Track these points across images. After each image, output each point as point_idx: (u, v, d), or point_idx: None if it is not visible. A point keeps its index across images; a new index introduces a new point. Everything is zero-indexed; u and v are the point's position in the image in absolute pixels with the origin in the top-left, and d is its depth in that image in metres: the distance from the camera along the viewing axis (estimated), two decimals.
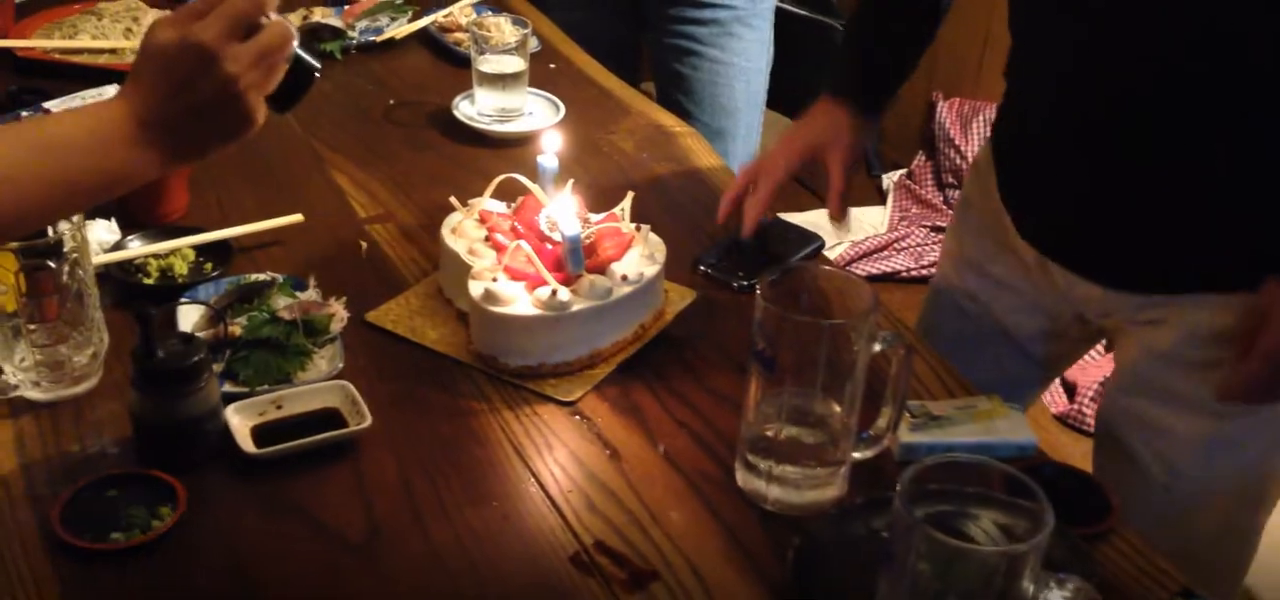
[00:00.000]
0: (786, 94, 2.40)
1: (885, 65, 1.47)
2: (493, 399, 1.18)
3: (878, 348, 1.04)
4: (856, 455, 1.09)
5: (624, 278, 1.23)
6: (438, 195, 1.37)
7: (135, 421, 1.05)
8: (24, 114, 1.54)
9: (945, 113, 2.62)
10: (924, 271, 2.27)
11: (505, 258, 1.23)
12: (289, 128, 1.68)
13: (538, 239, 1.25)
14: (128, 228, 1.34)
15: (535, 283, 1.21)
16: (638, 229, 1.31)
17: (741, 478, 1.09)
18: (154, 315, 1.02)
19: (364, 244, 1.40)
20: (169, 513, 1.00)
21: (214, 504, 1.03)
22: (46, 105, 1.57)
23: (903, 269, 2.27)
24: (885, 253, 2.29)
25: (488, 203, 1.32)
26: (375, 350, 1.23)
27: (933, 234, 2.36)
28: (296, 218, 1.39)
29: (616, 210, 1.32)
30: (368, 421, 1.09)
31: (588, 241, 1.25)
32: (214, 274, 1.29)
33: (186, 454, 1.05)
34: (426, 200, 1.47)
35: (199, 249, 1.32)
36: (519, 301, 1.20)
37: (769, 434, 1.06)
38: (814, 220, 1.56)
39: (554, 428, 1.15)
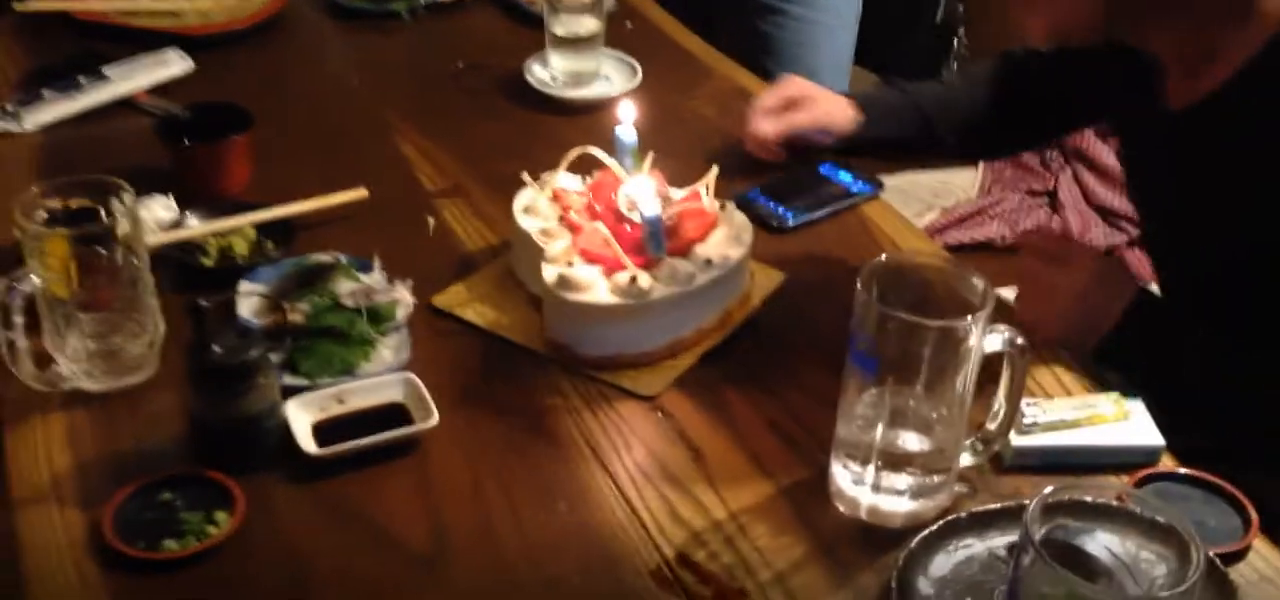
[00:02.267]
0: (874, 49, 2.28)
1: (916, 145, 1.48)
2: (567, 393, 1.10)
3: (992, 348, 0.94)
4: (964, 462, 1.00)
5: (708, 261, 1.14)
6: (509, 167, 1.29)
7: (191, 420, 0.99)
8: (81, 79, 1.49)
9: None
10: (1020, 239, 2.14)
11: (580, 240, 1.15)
12: (353, 94, 1.61)
13: (615, 219, 1.17)
14: (186, 203, 1.28)
15: (613, 267, 1.13)
16: (722, 207, 1.22)
17: (837, 484, 1.00)
18: (207, 308, 0.96)
19: (431, 220, 1.33)
20: (226, 519, 0.93)
21: (272, 508, 0.97)
22: (105, 70, 1.51)
23: (996, 237, 2.14)
24: (977, 219, 2.16)
25: (562, 179, 1.23)
26: (442, 337, 1.16)
27: (1029, 198, 2.22)
28: (361, 193, 1.32)
29: (699, 186, 1.22)
30: (435, 419, 1.02)
31: (669, 222, 1.16)
32: (275, 254, 1.23)
33: (244, 454, 0.99)
34: (497, 172, 1.39)
35: (260, 227, 1.26)
36: (595, 288, 1.11)
37: (868, 438, 0.97)
38: (896, 185, 1.47)
39: (633, 425, 1.07)
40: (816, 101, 1.44)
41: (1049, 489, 0.78)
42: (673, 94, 1.61)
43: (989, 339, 0.94)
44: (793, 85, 1.46)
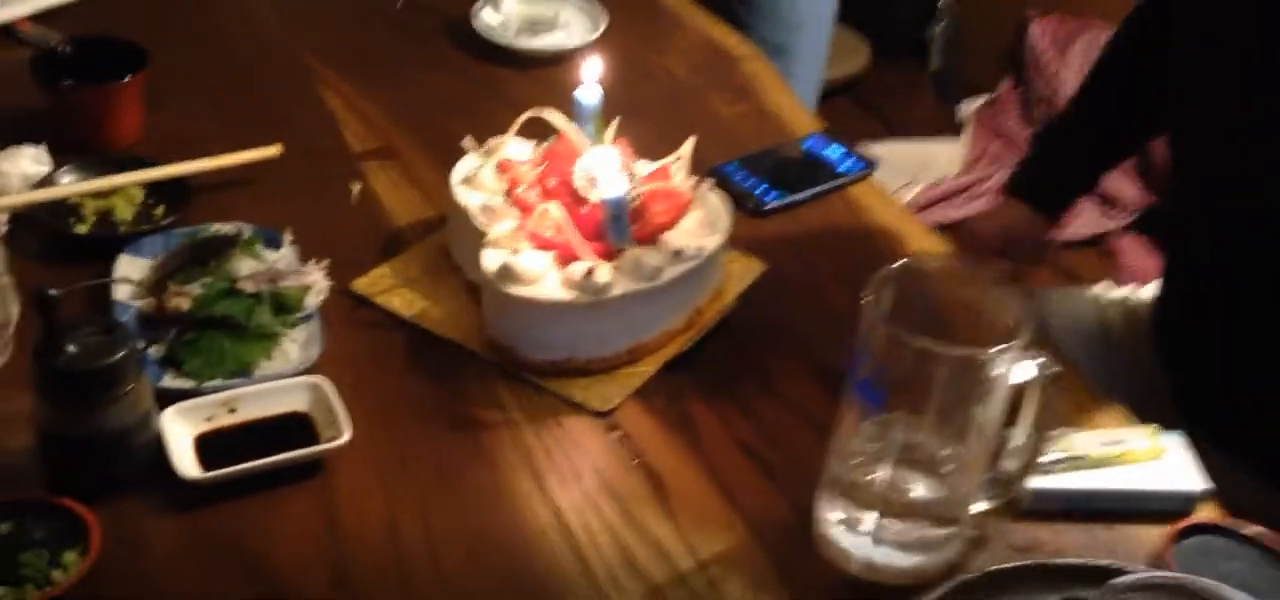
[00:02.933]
0: (858, 3, 2.11)
1: (1080, 179, 1.35)
2: (507, 405, 0.93)
3: (1020, 380, 0.78)
4: (978, 507, 0.84)
5: (678, 252, 0.97)
6: (450, 127, 1.11)
7: (38, 436, 0.81)
8: None
9: (1039, 33, 2.29)
10: None
11: (530, 222, 0.97)
12: (271, 31, 1.40)
13: (571, 197, 0.99)
14: (63, 156, 1.08)
15: (566, 256, 0.95)
16: (696, 186, 1.04)
17: (823, 530, 0.84)
18: (57, 298, 0.77)
19: (356, 186, 1.14)
20: (76, 560, 0.75)
21: (137, 545, 0.79)
22: None
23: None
24: (961, 198, 1.99)
25: (511, 146, 1.05)
26: (361, 330, 0.98)
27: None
28: (273, 151, 1.13)
29: (670, 161, 1.05)
30: (345, 436, 0.84)
31: (634, 204, 0.98)
32: (165, 221, 1.04)
33: (104, 477, 0.81)
34: (436, 132, 1.20)
35: (149, 187, 1.07)
36: (545, 280, 0.94)
37: (867, 481, 0.81)
38: (881, 155, 1.31)
39: (584, 446, 0.90)
40: (1012, 225, 1.30)
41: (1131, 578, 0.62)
42: (640, 47, 1.43)
43: (1018, 369, 0.78)
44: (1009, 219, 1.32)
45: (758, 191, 1.19)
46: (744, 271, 1.08)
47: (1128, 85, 1.29)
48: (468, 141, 1.05)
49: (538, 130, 1.05)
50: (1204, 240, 1.14)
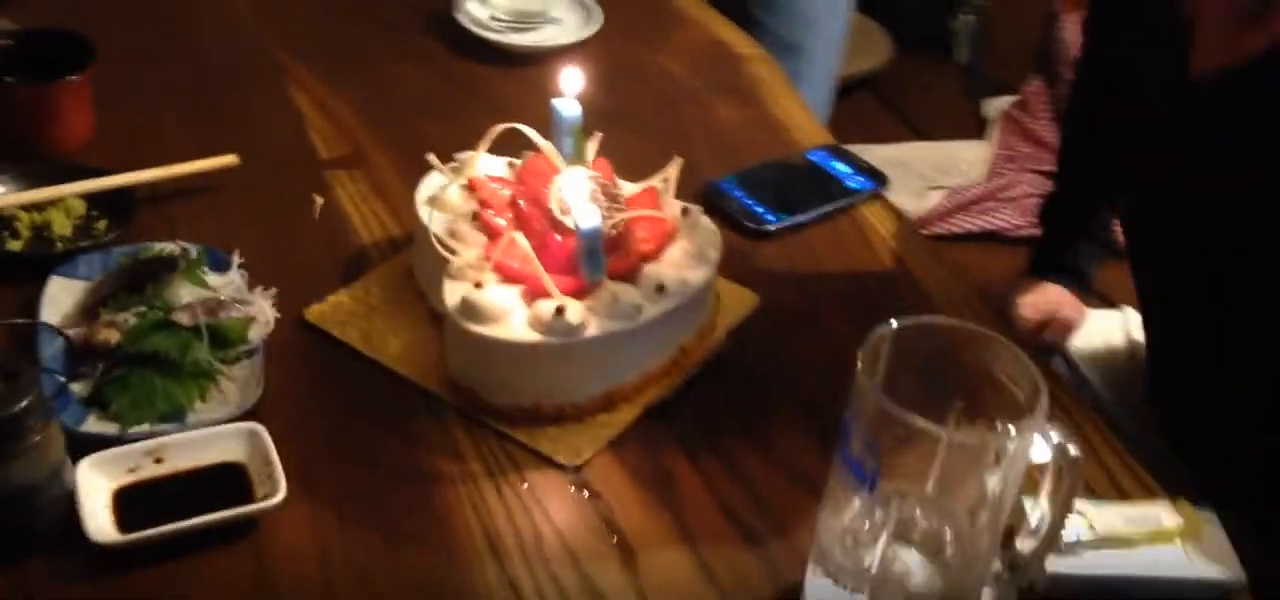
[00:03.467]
0: None
1: (1088, 248, 1.33)
2: (466, 454, 0.84)
3: (1038, 460, 0.69)
4: (986, 595, 0.75)
5: (660, 288, 0.88)
6: (426, 129, 1.03)
7: None
8: None
9: (1070, 29, 2.17)
10: (1035, 231, 1.85)
11: (497, 250, 0.88)
12: (238, 23, 1.31)
13: (546, 221, 0.90)
14: (2, 161, 1.00)
15: (535, 290, 0.86)
16: (684, 212, 0.95)
17: None
18: None
19: (319, 199, 1.05)
20: None
21: None
22: None
23: (1008, 226, 1.86)
24: (986, 205, 1.88)
25: (482, 162, 0.96)
26: (311, 365, 0.90)
27: (1044, 181, 1.95)
28: (229, 160, 1.04)
29: (656, 180, 0.96)
30: (279, 496, 0.76)
31: (612, 233, 0.89)
32: (108, 236, 0.95)
33: (6, 539, 0.72)
34: (411, 136, 1.12)
35: (92, 199, 0.98)
36: (510, 318, 0.85)
37: (857, 562, 0.72)
38: (895, 157, 1.23)
39: (548, 506, 0.81)
40: (1064, 305, 1.29)
41: None
42: (637, 45, 1.34)
43: (1034, 448, 0.68)
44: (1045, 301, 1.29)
45: (757, 212, 1.09)
46: (736, 304, 0.99)
47: (1101, 154, 1.25)
48: (431, 158, 0.96)
49: (515, 141, 0.96)
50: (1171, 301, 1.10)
